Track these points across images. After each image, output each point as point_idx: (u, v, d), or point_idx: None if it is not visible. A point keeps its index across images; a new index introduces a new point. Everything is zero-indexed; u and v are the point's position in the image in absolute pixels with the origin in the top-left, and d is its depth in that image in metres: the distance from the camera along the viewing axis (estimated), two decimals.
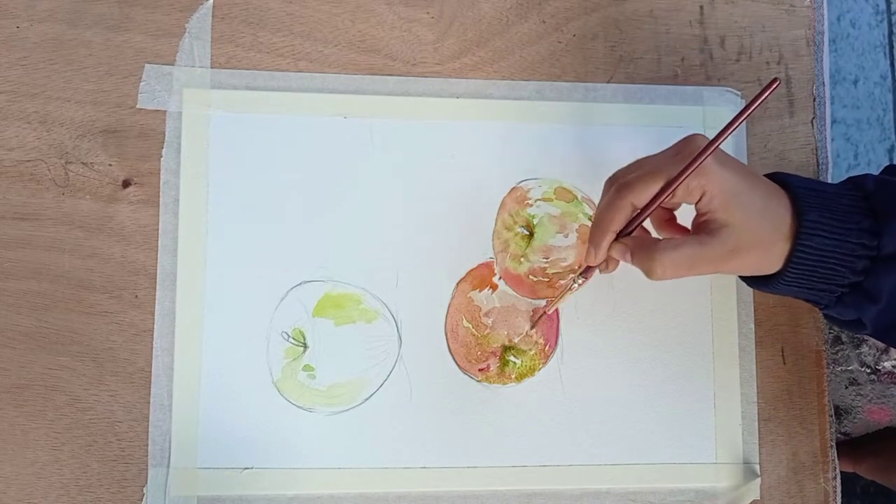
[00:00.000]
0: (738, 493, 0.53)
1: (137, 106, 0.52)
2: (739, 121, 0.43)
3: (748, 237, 0.43)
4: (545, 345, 0.53)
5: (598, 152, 0.54)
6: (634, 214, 0.45)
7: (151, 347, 0.51)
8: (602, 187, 0.47)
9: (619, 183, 0.45)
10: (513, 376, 0.52)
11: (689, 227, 0.47)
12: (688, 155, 0.43)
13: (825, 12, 0.58)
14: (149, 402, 0.50)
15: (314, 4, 0.54)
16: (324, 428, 0.51)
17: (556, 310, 0.53)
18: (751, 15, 0.57)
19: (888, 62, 1.24)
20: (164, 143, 0.52)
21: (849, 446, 0.82)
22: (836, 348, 0.63)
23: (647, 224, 0.47)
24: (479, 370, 0.52)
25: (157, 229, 0.52)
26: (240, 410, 0.51)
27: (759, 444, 0.53)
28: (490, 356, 0.53)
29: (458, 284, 0.53)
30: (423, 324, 0.52)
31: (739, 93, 0.56)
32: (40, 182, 0.51)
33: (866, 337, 0.63)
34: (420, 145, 0.54)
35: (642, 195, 0.44)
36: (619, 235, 0.45)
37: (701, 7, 0.57)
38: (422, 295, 0.52)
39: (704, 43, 0.57)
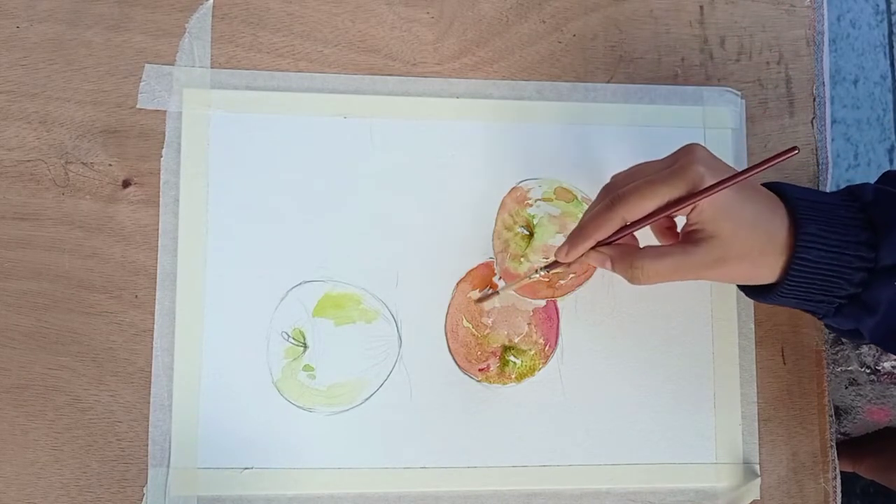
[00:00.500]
0: (738, 493, 0.53)
1: (137, 106, 0.52)
2: (749, 174, 0.43)
3: (736, 249, 0.43)
4: (545, 345, 0.53)
5: (598, 152, 0.54)
6: (623, 226, 0.44)
7: (151, 347, 0.51)
8: (602, 188, 0.47)
9: (614, 195, 0.44)
10: (513, 376, 0.52)
11: None
12: (685, 165, 0.42)
13: (825, 12, 0.58)
14: (149, 402, 0.50)
15: (314, 4, 0.54)
16: (324, 428, 0.51)
17: (557, 310, 0.53)
18: (751, 15, 0.57)
19: (888, 62, 1.23)
20: (164, 143, 0.52)
21: (849, 446, 0.82)
22: (836, 348, 0.62)
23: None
24: (479, 370, 0.52)
25: (157, 229, 0.52)
26: (240, 410, 0.51)
27: (759, 445, 0.53)
28: (490, 356, 0.53)
29: (458, 284, 0.53)
30: (423, 324, 0.52)
31: (739, 93, 0.56)
32: (40, 182, 0.51)
33: None
34: (420, 145, 0.54)
35: (634, 211, 0.43)
36: (601, 243, 0.45)
37: (701, 7, 0.57)
38: (422, 295, 0.52)
39: (704, 43, 0.57)
